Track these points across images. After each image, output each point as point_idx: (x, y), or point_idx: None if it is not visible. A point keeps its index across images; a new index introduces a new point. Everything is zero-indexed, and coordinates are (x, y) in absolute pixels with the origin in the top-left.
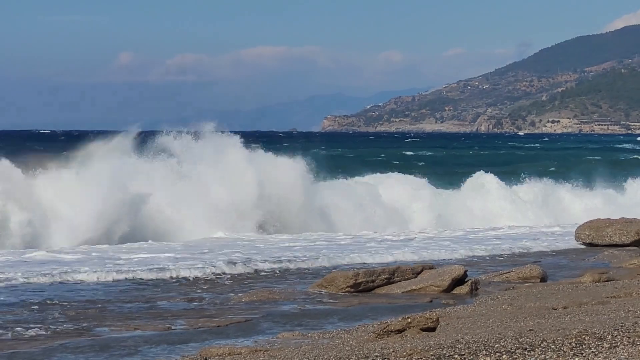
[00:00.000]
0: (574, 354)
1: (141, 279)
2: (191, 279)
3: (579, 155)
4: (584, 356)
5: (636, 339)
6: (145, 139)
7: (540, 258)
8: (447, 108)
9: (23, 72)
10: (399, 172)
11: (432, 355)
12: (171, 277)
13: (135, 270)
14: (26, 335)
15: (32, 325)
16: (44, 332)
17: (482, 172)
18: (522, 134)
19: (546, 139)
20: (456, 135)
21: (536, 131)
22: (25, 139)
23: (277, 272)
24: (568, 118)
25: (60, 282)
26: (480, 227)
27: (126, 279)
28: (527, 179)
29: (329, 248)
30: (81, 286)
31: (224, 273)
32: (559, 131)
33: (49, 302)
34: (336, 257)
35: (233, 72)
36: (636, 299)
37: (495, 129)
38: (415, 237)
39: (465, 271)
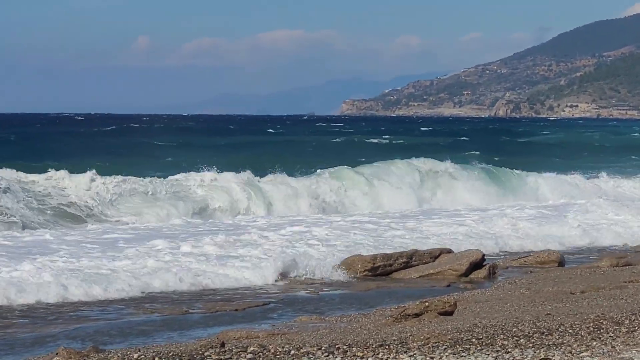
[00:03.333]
0: (591, 338)
1: None
2: None
3: None
4: (602, 340)
5: None
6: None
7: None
8: (465, 92)
9: (42, 57)
10: None
11: (449, 339)
12: None
13: None
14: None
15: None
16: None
17: None
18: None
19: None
20: (481, 120)
21: (555, 116)
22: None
23: None
24: (586, 103)
25: None
26: None
27: None
28: None
29: None
30: None
31: None
32: (577, 116)
33: None
34: None
35: (250, 56)
36: None
37: (514, 114)
38: None
39: (483, 255)
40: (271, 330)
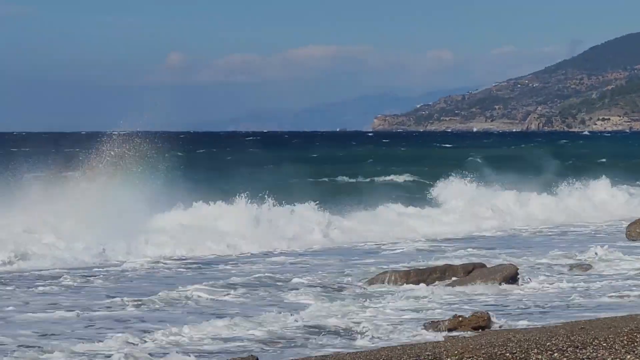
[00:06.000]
0: (625, 352)
1: None
2: None
3: None
4: (636, 354)
5: None
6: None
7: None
8: (497, 107)
9: (74, 75)
10: None
11: (483, 354)
12: None
13: None
14: None
15: None
16: None
17: None
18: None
19: None
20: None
21: (586, 129)
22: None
23: None
24: (618, 116)
25: None
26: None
27: None
28: None
29: None
30: None
31: None
32: (609, 129)
33: None
34: None
35: (283, 72)
36: None
37: (546, 127)
38: None
39: (517, 270)
40: None
